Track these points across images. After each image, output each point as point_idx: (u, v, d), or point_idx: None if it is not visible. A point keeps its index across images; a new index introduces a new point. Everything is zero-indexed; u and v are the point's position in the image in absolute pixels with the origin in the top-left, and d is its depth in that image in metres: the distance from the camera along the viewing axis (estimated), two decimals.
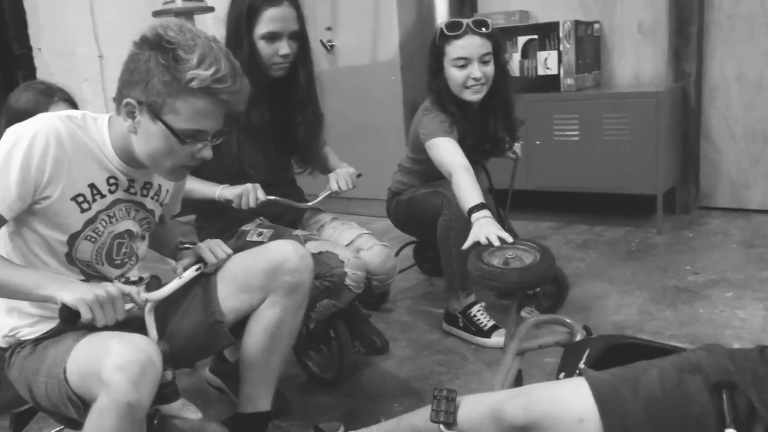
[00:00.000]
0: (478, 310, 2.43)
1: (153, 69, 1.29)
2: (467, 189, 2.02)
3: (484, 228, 1.81)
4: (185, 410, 1.49)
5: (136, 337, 1.27)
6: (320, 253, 1.91)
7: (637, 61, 3.85)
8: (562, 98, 3.63)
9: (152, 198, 1.55)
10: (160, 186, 1.56)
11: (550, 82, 3.68)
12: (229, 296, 1.60)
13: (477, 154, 2.37)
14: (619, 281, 2.90)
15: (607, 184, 3.57)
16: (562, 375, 1.50)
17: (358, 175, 2.21)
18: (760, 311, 2.49)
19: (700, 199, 3.89)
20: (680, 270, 2.98)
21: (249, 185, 1.97)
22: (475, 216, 1.90)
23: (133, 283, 1.56)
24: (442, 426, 1.41)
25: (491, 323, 2.41)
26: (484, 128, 2.40)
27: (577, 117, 3.56)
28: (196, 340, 1.59)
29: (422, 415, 1.51)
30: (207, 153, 1.39)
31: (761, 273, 2.85)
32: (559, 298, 2.56)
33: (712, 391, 1.31)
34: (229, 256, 1.62)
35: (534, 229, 3.67)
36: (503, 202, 2.63)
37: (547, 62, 3.68)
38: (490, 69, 2.29)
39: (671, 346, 1.54)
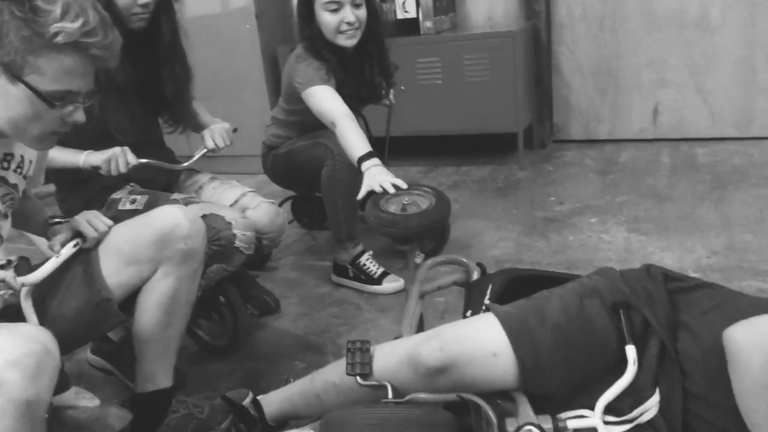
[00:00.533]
0: (367, 259, 2.43)
1: (7, 23, 1.12)
2: (354, 138, 1.98)
3: (377, 176, 1.79)
4: (80, 398, 1.38)
5: (25, 327, 1.13)
6: (204, 216, 1.80)
7: (490, 1, 3.94)
8: (423, 42, 3.65)
9: (15, 171, 1.37)
10: (22, 157, 1.38)
11: (410, 26, 3.69)
12: (114, 271, 1.47)
13: (355, 102, 2.32)
14: (492, 217, 3.01)
15: (471, 125, 3.68)
16: (469, 313, 1.54)
17: (234, 130, 2.10)
18: (622, 233, 2.69)
19: (555, 133, 4.11)
20: (546, 202, 3.15)
21: (117, 149, 1.81)
22: (365, 165, 1.87)
23: (1, 267, 1.39)
24: (358, 378, 1.40)
25: (381, 270, 2.42)
26: (360, 74, 2.35)
27: (438, 60, 3.61)
28: (83, 322, 1.46)
29: (336, 370, 1.49)
30: (79, 116, 1.25)
31: (618, 198, 3.08)
32: (441, 240, 2.61)
33: (610, 312, 1.39)
34: (110, 228, 1.48)
35: (404, 175, 3.67)
36: (381, 150, 2.61)
37: (405, 5, 3.67)
38: (362, 12, 2.23)
39: (567, 274, 1.62)
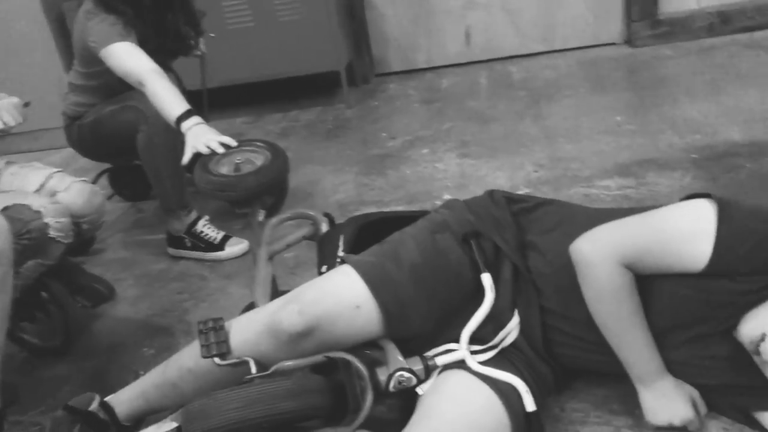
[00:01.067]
0: (204, 225, 2.27)
1: None
2: (167, 96, 1.80)
3: (201, 136, 1.64)
4: None
5: None
6: (6, 208, 1.57)
7: None
8: None
9: None
10: None
11: None
12: None
13: (162, 56, 2.11)
14: (327, 162, 2.95)
15: (292, 67, 3.54)
16: (324, 268, 1.47)
17: (26, 104, 1.83)
18: (454, 160, 2.73)
19: (376, 67, 4.07)
20: (378, 138, 3.13)
21: None
22: (186, 125, 1.71)
23: None
24: (216, 359, 1.30)
25: (221, 234, 2.28)
26: (162, 26, 2.13)
27: (246, 2, 3.41)
28: None
29: (190, 354, 1.37)
30: None
31: (444, 125, 3.12)
32: (281, 193, 2.50)
33: (462, 243, 1.39)
34: None
35: (229, 128, 3.51)
36: (199, 105, 2.43)
37: None
38: None
39: (415, 212, 1.60)
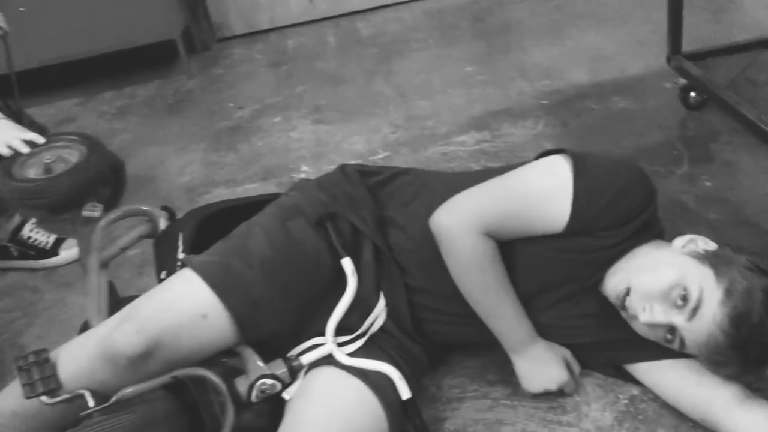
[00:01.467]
0: (31, 230, 2.00)
1: None
2: None
3: (1, 134, 1.40)
4: None
5: None
6: None
7: None
8: None
9: None
10: None
11: None
12: None
13: None
14: (170, 140, 2.70)
15: (121, 38, 3.20)
16: (163, 274, 1.31)
17: None
18: (308, 127, 2.59)
19: (217, 32, 3.80)
20: (225, 109, 2.91)
21: None
22: None
23: None
24: (44, 397, 1.12)
25: (53, 238, 2.01)
26: None
27: None
28: None
29: (13, 394, 1.17)
30: None
31: (296, 89, 2.96)
32: (119, 182, 2.25)
33: (317, 228, 1.29)
34: None
35: (57, 113, 3.15)
36: (7, 92, 2.12)
37: None
38: None
39: (263, 197, 1.46)
